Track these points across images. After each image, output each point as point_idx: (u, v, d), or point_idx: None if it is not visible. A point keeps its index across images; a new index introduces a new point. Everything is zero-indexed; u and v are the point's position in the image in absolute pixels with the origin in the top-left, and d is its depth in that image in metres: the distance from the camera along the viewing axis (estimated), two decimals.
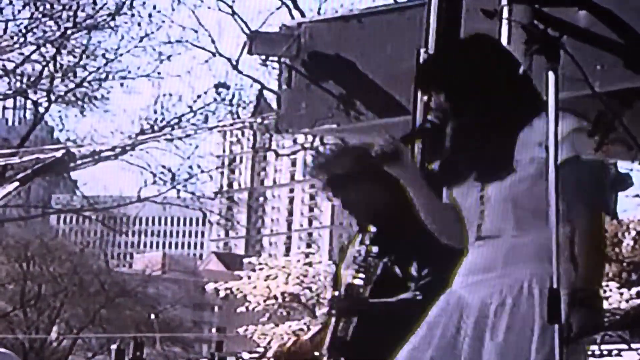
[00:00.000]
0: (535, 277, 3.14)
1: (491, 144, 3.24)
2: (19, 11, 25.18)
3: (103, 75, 26.59)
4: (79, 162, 24.35)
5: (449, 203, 3.36)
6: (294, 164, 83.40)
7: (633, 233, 21.71)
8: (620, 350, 5.35)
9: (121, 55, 26.23)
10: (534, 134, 3.19)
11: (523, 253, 3.18)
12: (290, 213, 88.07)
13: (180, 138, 26.61)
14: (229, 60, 24.80)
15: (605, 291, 19.62)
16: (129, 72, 26.89)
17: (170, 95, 27.28)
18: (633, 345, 5.27)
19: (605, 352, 5.41)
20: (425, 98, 4.04)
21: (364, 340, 4.07)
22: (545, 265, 3.07)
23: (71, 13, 25.21)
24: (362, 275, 4.15)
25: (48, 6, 25.05)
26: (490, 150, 3.24)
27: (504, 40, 4.45)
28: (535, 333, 3.10)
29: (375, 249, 4.17)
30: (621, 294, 20.19)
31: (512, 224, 3.20)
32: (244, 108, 26.48)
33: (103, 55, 26.22)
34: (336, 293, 4.21)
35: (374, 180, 3.96)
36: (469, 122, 3.27)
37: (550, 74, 3.02)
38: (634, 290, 20.66)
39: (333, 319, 4.17)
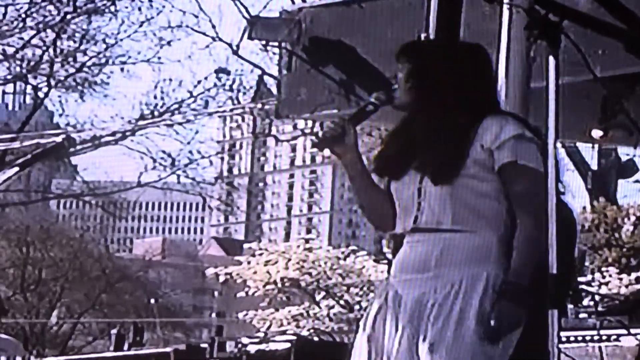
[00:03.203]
0: (465, 280, 3.20)
1: (444, 140, 3.27)
2: None
3: (103, 60, 26.59)
4: (79, 147, 24.35)
5: (382, 190, 3.40)
6: (294, 149, 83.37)
7: (633, 218, 21.70)
8: (619, 335, 5.36)
9: (121, 40, 26.25)
10: (478, 136, 3.24)
11: (456, 254, 3.23)
12: (290, 198, 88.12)
13: (180, 123, 26.61)
14: (230, 45, 24.80)
15: (604, 276, 19.64)
16: (129, 57, 26.89)
17: (171, 80, 27.29)
18: (632, 331, 5.28)
19: (604, 337, 5.42)
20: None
21: None
22: (477, 267, 3.18)
23: None
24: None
25: None
26: (442, 147, 3.27)
27: (504, 25, 4.44)
28: (466, 334, 3.14)
29: None
30: (620, 279, 20.18)
31: (449, 219, 3.25)
32: (244, 93, 26.49)
33: (103, 40, 26.23)
34: None
35: None
36: (423, 112, 3.29)
37: (551, 59, 3.03)
38: (633, 275, 20.66)
39: None
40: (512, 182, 3.22)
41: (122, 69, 26.92)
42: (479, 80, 3.35)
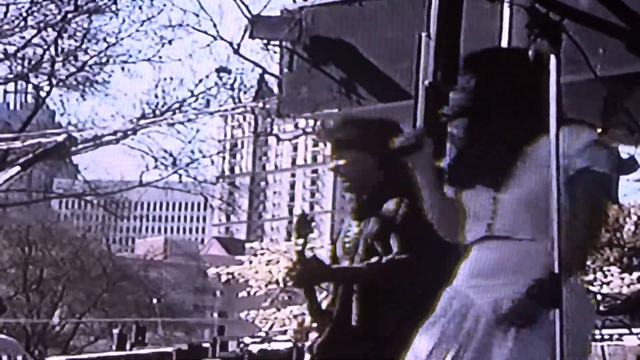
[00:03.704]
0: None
1: (504, 155, 3.28)
2: None
3: (104, 59, 26.58)
4: (80, 146, 24.34)
5: (452, 200, 3.39)
6: (295, 148, 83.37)
7: (634, 218, 21.71)
8: (621, 334, 5.36)
9: (122, 39, 26.21)
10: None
11: (533, 260, 3.20)
12: (292, 198, 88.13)
13: (181, 122, 26.59)
14: (230, 44, 24.74)
15: (606, 275, 19.65)
16: (130, 56, 26.87)
17: (172, 79, 27.27)
18: (634, 330, 5.27)
19: (606, 337, 5.42)
20: (427, 83, 4.02)
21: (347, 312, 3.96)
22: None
23: None
24: (345, 251, 4.10)
25: None
26: (502, 161, 3.28)
27: (505, 24, 4.44)
28: (545, 343, 3.10)
29: (354, 225, 4.16)
30: (622, 278, 20.19)
31: (527, 226, 3.24)
32: (245, 92, 26.45)
33: (104, 39, 26.20)
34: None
35: (368, 150, 4.00)
36: (488, 123, 3.30)
37: (552, 58, 3.02)
38: (635, 274, 20.67)
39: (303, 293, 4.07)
40: (584, 189, 3.23)
41: (123, 68, 26.93)
42: (545, 90, 3.32)
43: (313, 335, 4.02)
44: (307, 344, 4.06)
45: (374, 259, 3.89)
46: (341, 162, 4.14)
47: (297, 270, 3.99)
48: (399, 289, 3.82)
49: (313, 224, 4.11)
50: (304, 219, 4.13)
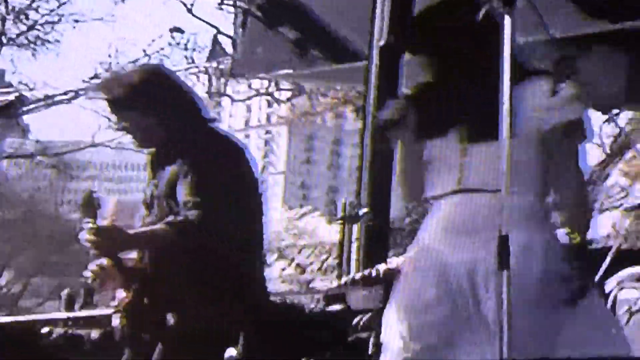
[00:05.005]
0: (520, 243, 3.13)
1: (478, 105, 3.24)
2: None
3: (56, 18, 26.26)
4: (31, 106, 24.09)
5: (421, 164, 3.35)
6: (249, 109, 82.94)
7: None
8: None
9: None
10: (527, 95, 3.21)
11: (506, 216, 3.12)
12: None
13: None
14: (184, 3, 24.53)
15: None
16: (83, 14, 26.56)
17: (125, 39, 27.03)
18: None
19: None
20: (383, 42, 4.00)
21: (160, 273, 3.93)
22: (530, 230, 3.16)
23: None
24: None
25: None
26: (471, 112, 3.25)
27: None
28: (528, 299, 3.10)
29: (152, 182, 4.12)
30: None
31: (496, 179, 3.17)
32: (199, 53, 26.28)
33: None
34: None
35: (141, 108, 3.98)
36: (458, 77, 3.28)
37: (506, 18, 3.03)
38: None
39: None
40: (563, 142, 3.20)
41: (74, 27, 26.63)
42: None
43: (122, 293, 3.97)
44: (115, 303, 4.01)
45: (169, 218, 3.84)
46: (124, 123, 4.10)
47: (97, 241, 3.92)
48: (193, 247, 3.81)
49: (98, 202, 4.07)
50: (89, 198, 4.10)
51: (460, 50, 3.27)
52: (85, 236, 3.93)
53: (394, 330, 3.26)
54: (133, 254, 4.02)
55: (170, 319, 3.84)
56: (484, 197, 3.22)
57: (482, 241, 3.16)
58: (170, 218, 3.84)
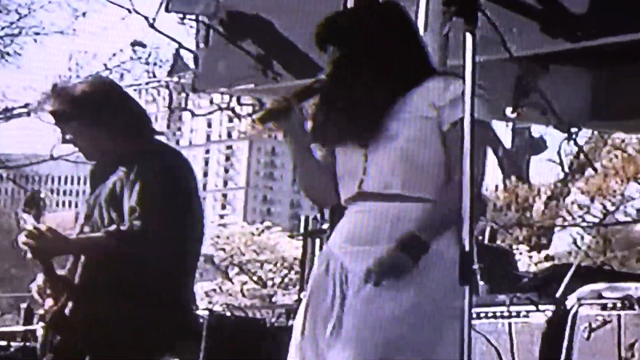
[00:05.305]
0: (431, 250, 3.14)
1: (374, 106, 3.24)
2: None
3: (16, 31, 26.10)
4: None
5: (323, 165, 3.36)
6: (210, 124, 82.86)
7: (544, 197, 22.04)
8: (528, 311, 5.43)
9: (35, 10, 25.76)
10: (426, 94, 3.22)
11: (408, 223, 3.17)
12: (205, 174, 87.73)
13: None
14: (146, 18, 24.48)
15: (514, 254, 19.96)
16: (43, 28, 26.42)
17: (86, 52, 26.89)
18: (540, 307, 5.36)
19: (514, 314, 5.50)
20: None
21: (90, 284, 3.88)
22: (429, 239, 3.14)
23: None
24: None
25: None
26: (373, 113, 3.24)
27: (422, 2, 4.46)
28: (404, 305, 3.13)
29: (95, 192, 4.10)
30: (530, 257, 20.53)
31: (399, 183, 3.21)
32: (160, 67, 26.23)
33: (16, 10, 25.71)
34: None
35: (86, 120, 3.98)
36: (353, 79, 3.27)
37: (468, 36, 3.04)
38: (543, 253, 21.03)
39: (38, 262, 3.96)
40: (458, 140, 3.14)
41: (35, 40, 26.48)
42: (408, 41, 3.33)
43: (49, 302, 3.94)
44: (41, 311, 3.97)
45: (112, 227, 3.83)
46: (68, 136, 4.11)
47: (33, 243, 3.86)
48: (130, 257, 3.82)
49: (42, 202, 4.05)
50: (33, 198, 4.08)
51: (367, 50, 3.28)
52: (22, 238, 3.87)
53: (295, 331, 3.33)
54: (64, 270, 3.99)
55: (99, 329, 3.82)
56: (383, 204, 3.23)
57: (379, 251, 3.18)
58: (113, 227, 3.83)
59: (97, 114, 3.97)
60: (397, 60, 3.28)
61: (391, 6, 3.42)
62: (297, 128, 3.33)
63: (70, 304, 3.88)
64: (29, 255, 3.91)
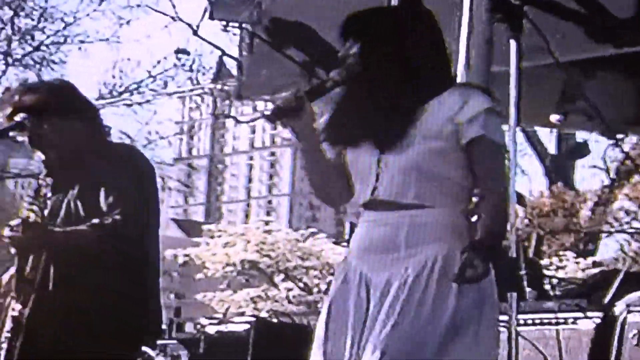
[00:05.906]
0: (438, 259, 3.13)
1: (394, 112, 3.20)
2: None
3: (61, 39, 26.34)
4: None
5: (334, 165, 3.32)
6: (253, 131, 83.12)
7: (590, 204, 21.86)
8: (576, 318, 5.39)
9: (80, 18, 25.98)
10: (444, 107, 3.18)
11: (425, 232, 3.16)
12: (250, 180, 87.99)
13: (139, 103, 26.42)
14: (189, 25, 24.60)
15: (561, 260, 19.80)
16: (88, 35, 26.64)
17: (129, 60, 27.08)
18: (589, 314, 5.32)
19: (561, 320, 5.46)
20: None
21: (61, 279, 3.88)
22: (447, 243, 3.13)
23: None
24: (35, 208, 4.05)
25: None
26: (392, 118, 3.20)
27: (466, 8, 4.44)
28: (428, 312, 3.09)
29: (49, 180, 4.14)
30: (577, 263, 20.37)
31: (413, 193, 3.17)
32: (203, 74, 26.35)
33: (61, 18, 25.94)
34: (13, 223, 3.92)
35: (45, 115, 4.00)
36: (378, 81, 3.22)
37: (513, 43, 3.02)
38: (590, 259, 20.85)
39: (16, 259, 3.96)
40: (479, 157, 3.15)
41: (80, 48, 26.70)
42: (437, 49, 3.30)
43: (17, 304, 3.94)
44: (13, 313, 3.96)
45: (95, 220, 3.84)
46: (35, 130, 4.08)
47: (18, 234, 3.87)
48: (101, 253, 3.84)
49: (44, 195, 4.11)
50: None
51: (389, 56, 3.23)
52: (7, 232, 3.89)
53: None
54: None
55: (63, 330, 3.84)
56: (398, 213, 3.19)
57: (403, 257, 3.16)
58: (96, 220, 3.84)
59: (60, 110, 4.03)
60: (424, 67, 3.23)
61: (426, 12, 3.37)
62: (308, 126, 3.27)
63: (35, 305, 3.90)
64: (12, 249, 3.93)
